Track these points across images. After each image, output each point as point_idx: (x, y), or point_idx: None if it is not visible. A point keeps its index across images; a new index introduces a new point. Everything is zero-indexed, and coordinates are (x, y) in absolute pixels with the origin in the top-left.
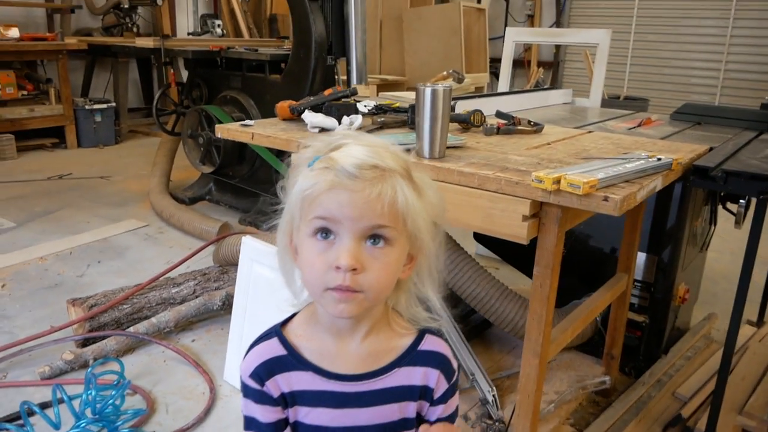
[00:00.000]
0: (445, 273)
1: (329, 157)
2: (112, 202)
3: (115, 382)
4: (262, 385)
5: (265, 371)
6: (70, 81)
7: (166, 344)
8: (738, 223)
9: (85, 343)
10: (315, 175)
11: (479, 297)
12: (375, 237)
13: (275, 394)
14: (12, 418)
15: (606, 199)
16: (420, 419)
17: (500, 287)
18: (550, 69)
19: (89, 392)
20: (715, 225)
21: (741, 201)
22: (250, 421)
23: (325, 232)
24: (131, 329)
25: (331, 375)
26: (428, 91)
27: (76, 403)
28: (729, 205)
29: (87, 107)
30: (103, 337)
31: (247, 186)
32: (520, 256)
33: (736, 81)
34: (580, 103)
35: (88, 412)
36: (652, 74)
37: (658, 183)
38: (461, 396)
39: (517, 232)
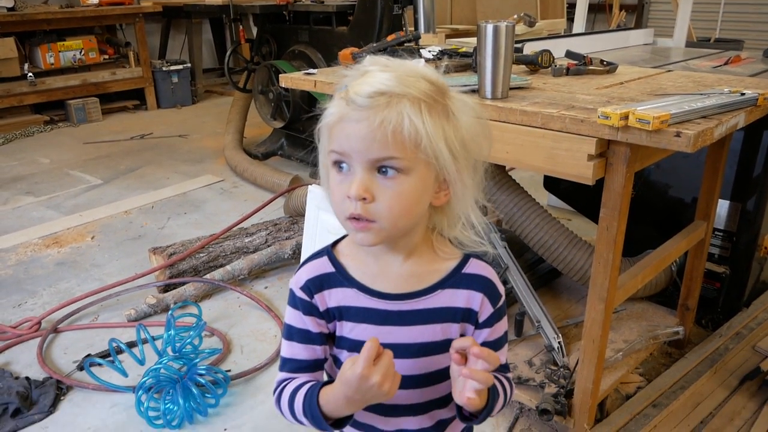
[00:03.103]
0: (494, 207)
1: (347, 88)
2: (190, 159)
3: (194, 324)
4: (312, 297)
5: (314, 285)
6: (147, 44)
7: (240, 290)
8: None
9: (166, 288)
10: (332, 106)
11: (547, 245)
12: (384, 167)
13: (322, 307)
14: (103, 355)
15: (678, 134)
16: None
17: (568, 234)
18: (633, 12)
19: (170, 332)
20: None
21: None
22: (294, 330)
23: (341, 164)
24: (208, 276)
25: (374, 293)
26: (490, 27)
27: (158, 342)
28: None
29: (164, 69)
30: (183, 284)
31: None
32: (592, 205)
33: None
34: (663, 43)
35: (169, 350)
36: (749, 14)
37: (740, 119)
38: (526, 343)
39: (583, 172)
